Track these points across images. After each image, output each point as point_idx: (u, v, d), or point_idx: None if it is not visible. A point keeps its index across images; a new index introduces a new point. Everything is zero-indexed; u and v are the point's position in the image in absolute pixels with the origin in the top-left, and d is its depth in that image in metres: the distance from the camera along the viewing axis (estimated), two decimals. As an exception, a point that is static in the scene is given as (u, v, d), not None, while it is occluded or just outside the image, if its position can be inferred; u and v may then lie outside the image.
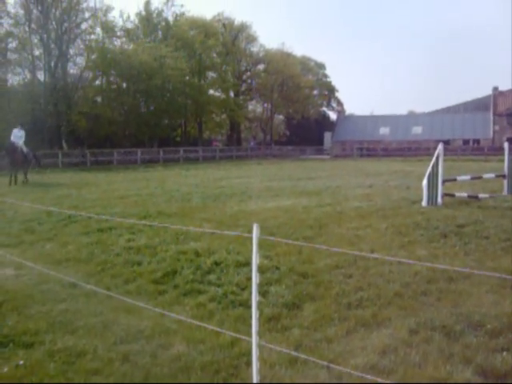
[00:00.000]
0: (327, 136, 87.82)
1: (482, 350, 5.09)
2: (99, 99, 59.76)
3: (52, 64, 53.63)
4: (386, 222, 12.14)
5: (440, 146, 15.94)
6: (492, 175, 18.79)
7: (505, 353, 5.01)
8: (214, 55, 71.13)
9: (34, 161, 27.48)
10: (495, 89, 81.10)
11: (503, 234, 10.54)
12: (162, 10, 64.65)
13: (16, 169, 24.81)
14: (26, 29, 52.54)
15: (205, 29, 68.13)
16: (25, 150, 25.54)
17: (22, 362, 4.95)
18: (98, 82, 60.10)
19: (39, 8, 51.90)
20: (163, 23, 65.02)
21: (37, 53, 54.01)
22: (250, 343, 4.45)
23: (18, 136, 25.48)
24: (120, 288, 7.33)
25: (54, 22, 53.09)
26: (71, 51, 56.39)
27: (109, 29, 58.53)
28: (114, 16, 68.63)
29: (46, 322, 6.03)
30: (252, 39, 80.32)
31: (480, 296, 6.71)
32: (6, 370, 4.82)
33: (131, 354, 5.12)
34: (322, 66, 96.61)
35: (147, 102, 60.97)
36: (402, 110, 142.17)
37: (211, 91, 71.81)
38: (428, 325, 5.70)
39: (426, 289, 7.04)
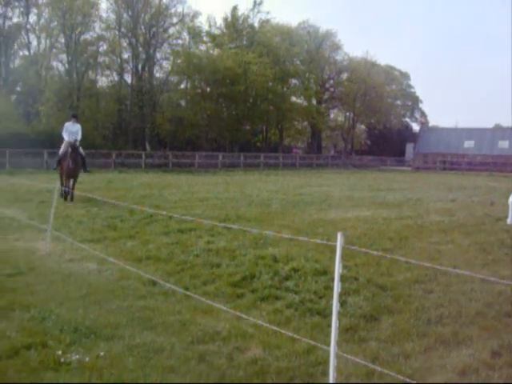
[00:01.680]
0: (409, 147, 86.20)
1: None
2: (183, 103, 60.97)
3: (139, 67, 55.20)
4: (468, 239, 11.82)
5: (529, 163, 15.37)
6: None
7: None
8: (298, 62, 71.12)
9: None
10: None
11: None
12: (248, 16, 65.21)
13: (70, 177, 17.54)
14: (116, 33, 54.30)
15: (289, 36, 68.22)
16: (82, 151, 18.38)
17: (102, 354, 5.09)
18: (182, 86, 61.35)
19: (129, 13, 53.53)
20: (249, 29, 65.57)
21: (125, 56, 55.79)
22: (326, 352, 4.43)
23: (72, 132, 18.08)
24: (198, 289, 7.43)
25: (142, 27, 54.62)
26: (158, 55, 57.87)
27: (195, 34, 59.63)
28: (201, 21, 70.12)
29: (126, 316, 6.18)
30: (336, 47, 79.84)
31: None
32: (87, 359, 4.97)
33: (207, 355, 5.18)
34: (406, 76, 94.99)
35: (230, 106, 61.68)
36: (488, 124, 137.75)
37: (293, 98, 71.82)
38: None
39: (510, 310, 6.80)
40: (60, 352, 5.09)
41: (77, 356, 5.03)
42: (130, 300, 6.85)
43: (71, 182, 17.51)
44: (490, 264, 9.41)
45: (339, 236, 4.14)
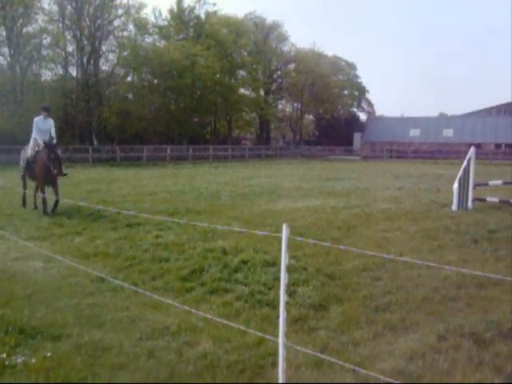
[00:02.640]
0: (357, 137, 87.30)
1: (513, 358, 4.99)
2: (130, 96, 60.21)
3: (84, 60, 54.24)
4: (415, 225, 12.03)
5: (472, 150, 15.75)
6: (526, 180, 18.49)
7: (536, 362, 4.91)
8: (245, 54, 71.12)
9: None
10: (529, 92, 79.74)
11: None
12: (194, 8, 64.77)
13: (50, 184, 14.34)
14: (60, 25, 53.17)
15: (236, 27, 68.10)
16: (59, 151, 14.71)
17: (49, 354, 4.98)
18: (129, 79, 60.59)
19: (73, 5, 52.44)
20: (195, 21, 65.13)
21: (70, 49, 54.66)
22: (276, 343, 4.42)
23: (44, 130, 14.58)
24: (147, 284, 7.35)
25: (87, 19, 53.62)
26: (103, 48, 56.91)
27: (141, 26, 58.85)
28: (147, 13, 69.28)
29: (74, 315, 6.06)
30: (283, 38, 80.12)
31: (511, 303, 6.58)
32: (33, 361, 4.85)
33: (157, 350, 5.12)
34: (352, 67, 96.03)
35: (177, 99, 61.21)
36: (433, 112, 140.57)
37: (241, 90, 71.84)
38: (457, 331, 5.60)
39: (455, 294, 6.94)
40: (4, 355, 4.95)
41: (22, 358, 4.91)
42: (77, 298, 6.73)
43: (52, 188, 14.22)
44: (436, 250, 9.58)
45: (284, 227, 4.12)
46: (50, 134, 14.34)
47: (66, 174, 14.56)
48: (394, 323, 5.87)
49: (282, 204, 15.99)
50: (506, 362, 4.91)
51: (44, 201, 13.78)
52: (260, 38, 74.16)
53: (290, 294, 6.77)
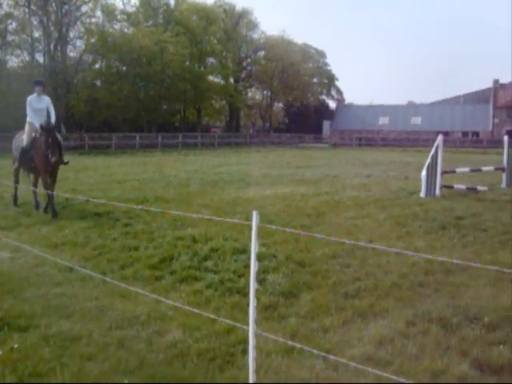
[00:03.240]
0: (326, 125, 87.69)
1: (479, 343, 5.07)
2: (98, 83, 59.46)
3: (51, 47, 53.27)
4: (384, 213, 12.13)
5: (440, 138, 15.91)
6: (491, 168, 18.78)
7: (501, 346, 5.00)
8: (215, 41, 70.71)
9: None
10: (496, 81, 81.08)
11: (501, 227, 10.54)
12: (164, -5, 64.17)
13: (49, 174, 12.21)
14: (26, 10, 52.11)
15: (206, 14, 67.61)
16: (60, 138, 12.60)
17: (16, 346, 4.90)
18: (97, 66, 59.77)
19: (39, -11, 51.46)
20: (164, 7, 64.56)
21: (36, 35, 53.71)
22: (246, 331, 4.41)
23: (40, 110, 12.25)
24: (116, 273, 7.29)
25: (53, 4, 52.66)
26: (71, 34, 56.06)
27: (109, 12, 58.07)
28: (115, -1, 68.18)
29: (42, 305, 5.98)
30: (253, 26, 79.91)
31: (477, 289, 6.69)
32: (0, 353, 4.77)
33: (126, 340, 5.08)
34: (322, 54, 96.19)
35: (146, 87, 60.65)
36: (402, 101, 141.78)
37: (211, 77, 71.47)
38: (425, 317, 5.67)
39: (423, 280, 7.03)
40: (-30, 348, 4.87)
41: (-11, 351, 4.83)
42: (45, 288, 6.64)
43: (49, 180, 12.16)
44: (405, 236, 9.68)
45: (254, 215, 4.11)
46: (48, 114, 11.96)
47: (67, 163, 12.60)
48: (364, 309, 5.91)
49: (251, 191, 16.00)
50: (473, 347, 4.98)
51: (35, 194, 12.71)
52: (230, 26, 73.83)
53: (260, 281, 6.77)
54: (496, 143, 54.10)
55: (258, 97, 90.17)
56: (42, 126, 11.63)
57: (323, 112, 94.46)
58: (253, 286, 4.11)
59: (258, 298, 5.54)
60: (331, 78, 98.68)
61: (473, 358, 4.77)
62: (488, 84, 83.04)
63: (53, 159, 11.37)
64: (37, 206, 12.58)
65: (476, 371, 4.58)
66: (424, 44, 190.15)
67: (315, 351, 4.58)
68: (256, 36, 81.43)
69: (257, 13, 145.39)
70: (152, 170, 24.42)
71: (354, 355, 4.78)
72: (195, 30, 63.96)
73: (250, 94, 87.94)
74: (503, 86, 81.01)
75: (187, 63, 63.03)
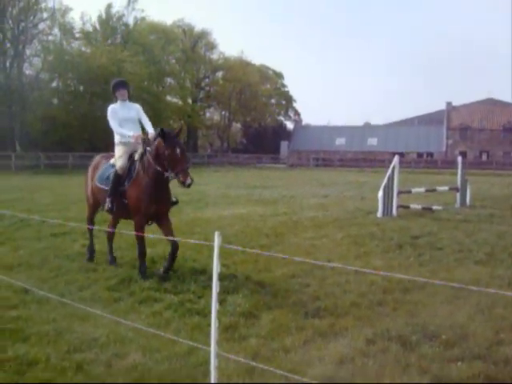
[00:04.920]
0: (284, 145, 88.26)
1: (438, 360, 5.15)
2: (55, 102, 58.80)
3: (7, 64, 52.55)
4: (341, 232, 12.24)
5: (396, 158, 16.18)
6: (445, 188, 19.18)
7: (459, 363, 5.08)
8: (173, 61, 70.84)
9: None
10: (449, 104, 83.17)
11: (456, 246, 10.75)
12: (123, 15, 64.07)
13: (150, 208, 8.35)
14: (-19, 27, 51.44)
15: (165, 34, 67.81)
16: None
17: (-31, 371, 4.78)
18: (54, 85, 59.19)
19: (-5, 6, 50.88)
20: (123, 27, 64.42)
21: (-8, 52, 52.89)
22: (207, 352, 4.40)
23: (130, 119, 9.07)
24: (74, 295, 7.16)
25: (10, 21, 52.10)
26: (28, 52, 55.42)
27: (67, 30, 57.75)
28: (73, 18, 67.67)
29: (-4, 329, 5.84)
30: (212, 46, 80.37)
31: (435, 306, 6.80)
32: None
33: (85, 363, 4.99)
34: (280, 76, 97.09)
35: (103, 106, 60.10)
36: (358, 122, 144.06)
37: (169, 97, 71.43)
38: (384, 335, 5.73)
39: (382, 299, 7.10)
40: None
41: None
42: (0, 311, 6.48)
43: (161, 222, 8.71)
44: (363, 256, 9.79)
45: (216, 235, 4.12)
46: (142, 125, 9.07)
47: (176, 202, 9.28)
48: (324, 329, 5.94)
49: (209, 212, 15.98)
50: (432, 364, 5.06)
51: (110, 237, 9.39)
52: (188, 46, 74.08)
53: (221, 302, 6.74)
54: (450, 164, 55.41)
55: (216, 117, 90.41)
56: (163, 132, 7.85)
57: (281, 133, 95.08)
58: (214, 306, 4.12)
59: (218, 319, 5.54)
60: (289, 99, 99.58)
61: (432, 375, 4.84)
62: (441, 106, 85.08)
63: (188, 181, 7.72)
64: (112, 261, 9.04)
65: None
66: (379, 67, 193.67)
67: (277, 371, 4.59)
68: (215, 57, 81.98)
69: (216, 34, 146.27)
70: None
71: (316, 375, 4.80)
72: (153, 50, 64.02)
73: (208, 115, 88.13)
74: (456, 108, 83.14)
75: (145, 83, 62.85)
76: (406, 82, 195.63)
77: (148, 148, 8.27)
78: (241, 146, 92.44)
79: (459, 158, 18.95)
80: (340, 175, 44.55)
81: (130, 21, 65.32)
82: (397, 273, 8.30)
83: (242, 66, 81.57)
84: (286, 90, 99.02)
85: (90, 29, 63.50)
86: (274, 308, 6.68)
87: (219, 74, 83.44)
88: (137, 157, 8.45)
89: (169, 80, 72.60)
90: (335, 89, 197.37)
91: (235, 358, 4.78)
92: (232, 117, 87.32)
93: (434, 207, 16.57)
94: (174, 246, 8.08)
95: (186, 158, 8.06)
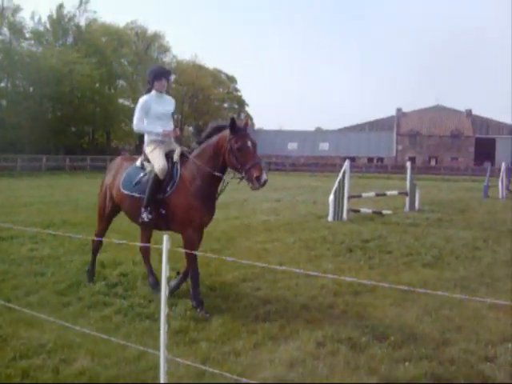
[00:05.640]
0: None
1: (386, 361, 5.24)
2: (4, 103, 57.51)
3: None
4: (293, 236, 12.32)
5: (346, 163, 16.37)
6: (395, 192, 19.51)
7: (407, 363, 5.19)
8: (126, 64, 70.11)
9: None
10: (399, 110, 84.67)
11: (405, 249, 10.95)
12: (75, 15, 63.11)
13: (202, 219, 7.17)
14: None
15: (117, 36, 67.04)
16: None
17: None
18: (2, 85, 57.85)
19: None
20: (74, 28, 63.47)
21: None
22: (157, 357, 4.37)
23: (162, 116, 7.51)
24: (21, 300, 7.00)
25: (-44, 20, 50.82)
26: (-25, 51, 54.09)
27: (17, 30, 56.55)
28: (23, 17, 66.42)
29: None
30: (164, 49, 79.80)
31: (384, 309, 6.91)
32: None
33: (31, 370, 4.88)
34: (233, 80, 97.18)
35: (54, 108, 59.28)
36: (310, 127, 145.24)
37: (121, 100, 70.65)
38: (334, 337, 5.80)
39: (332, 302, 7.19)
40: None
41: None
42: None
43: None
44: (314, 259, 9.88)
45: (165, 239, 4.10)
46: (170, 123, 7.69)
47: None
48: (274, 332, 5.97)
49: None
50: (380, 365, 5.14)
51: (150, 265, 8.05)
52: (141, 49, 73.44)
53: (171, 306, 6.72)
54: (400, 169, 56.34)
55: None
56: (233, 122, 6.67)
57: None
58: (163, 310, 4.09)
59: (168, 323, 5.50)
60: (241, 104, 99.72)
61: (381, 376, 4.92)
62: (392, 112, 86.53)
63: (264, 177, 6.70)
64: (155, 284, 7.58)
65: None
66: (330, 72, 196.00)
67: (227, 375, 4.58)
68: (167, 60, 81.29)
69: (169, 37, 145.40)
70: (59, 192, 23.80)
71: (266, 377, 4.82)
72: (105, 52, 63.24)
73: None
74: (406, 114, 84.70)
75: (97, 85, 62.07)
76: (357, 88, 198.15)
77: (184, 147, 7.47)
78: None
79: (408, 163, 19.31)
80: (292, 179, 44.81)
81: (82, 22, 64.51)
82: (347, 276, 8.39)
83: (195, 69, 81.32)
84: (239, 94, 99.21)
85: (41, 29, 62.36)
86: (224, 312, 6.68)
87: (172, 77, 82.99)
88: (176, 157, 7.22)
89: (121, 82, 71.83)
90: (287, 94, 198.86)
91: (185, 362, 4.76)
92: (184, 120, 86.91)
93: (384, 211, 16.82)
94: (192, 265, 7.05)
95: (257, 152, 6.88)
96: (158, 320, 5.32)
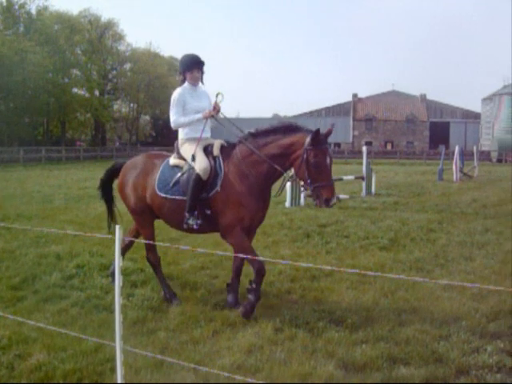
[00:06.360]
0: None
1: (344, 344, 5.31)
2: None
3: None
4: (251, 223, 12.31)
5: (303, 149, 16.41)
6: (352, 177, 19.68)
7: (364, 345, 5.27)
8: (79, 52, 68.90)
9: None
10: (355, 95, 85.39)
11: (362, 233, 11.08)
12: (25, 3, 61.57)
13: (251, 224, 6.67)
14: None
15: (70, 24, 65.63)
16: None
17: None
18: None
19: None
20: (25, 16, 61.97)
21: None
22: (114, 348, 4.33)
23: (200, 111, 6.76)
24: (-27, 296, 6.88)
25: None
26: None
27: (-37, 18, 55.01)
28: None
29: None
30: (119, 37, 78.54)
31: (341, 292, 6.99)
32: None
33: (-15, 367, 4.80)
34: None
35: (6, 98, 57.86)
36: (267, 114, 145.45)
37: (75, 90, 69.43)
38: (292, 322, 5.85)
39: (290, 287, 7.24)
40: None
41: None
42: None
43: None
44: (272, 245, 9.90)
45: (117, 229, 4.06)
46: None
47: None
48: (233, 319, 5.99)
49: (119, 206, 15.68)
50: (338, 348, 5.20)
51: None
52: (95, 37, 72.14)
53: (128, 296, 6.68)
54: (356, 154, 57.10)
55: (125, 109, 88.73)
56: (318, 134, 6.00)
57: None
58: (118, 301, 4.05)
59: (125, 314, 5.49)
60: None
61: (338, 359, 4.98)
62: (348, 98, 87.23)
63: (333, 199, 6.01)
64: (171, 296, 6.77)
65: (341, 371, 4.78)
66: (288, 59, 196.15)
67: (184, 364, 4.58)
68: (122, 48, 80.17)
69: (123, 25, 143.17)
70: (13, 185, 23.33)
71: (225, 364, 4.83)
72: (58, 40, 61.99)
73: (116, 107, 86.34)
74: (361, 99, 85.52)
75: (50, 74, 60.84)
76: (314, 74, 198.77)
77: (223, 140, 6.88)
78: (150, 138, 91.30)
79: (364, 148, 19.49)
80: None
81: (33, 10, 63.03)
82: (305, 261, 8.46)
83: (151, 57, 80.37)
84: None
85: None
86: (183, 300, 6.66)
87: (127, 65, 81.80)
88: (216, 151, 6.63)
89: (75, 71, 70.51)
90: (244, 81, 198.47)
91: (142, 352, 4.73)
92: (140, 109, 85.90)
93: (341, 196, 16.97)
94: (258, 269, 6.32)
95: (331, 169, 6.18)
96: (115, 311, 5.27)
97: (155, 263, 6.96)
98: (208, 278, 7.72)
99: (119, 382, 4.15)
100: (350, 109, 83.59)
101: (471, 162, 32.69)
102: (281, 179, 6.48)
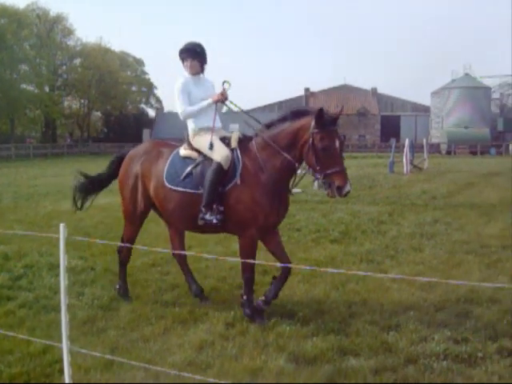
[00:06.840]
0: (146, 133, 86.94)
1: (295, 337, 5.36)
2: None
3: None
4: (203, 219, 12.28)
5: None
6: (304, 171, 19.76)
7: (314, 338, 5.32)
8: (28, 47, 67.46)
9: None
10: (307, 89, 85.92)
11: (313, 226, 11.18)
12: (-31, -4, 60.14)
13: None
14: None
15: (17, 18, 64.20)
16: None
17: None
18: None
19: None
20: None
21: None
22: (62, 349, 4.26)
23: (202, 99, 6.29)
24: None
25: None
26: None
27: None
28: None
29: None
30: (68, 32, 77.12)
31: (292, 286, 7.03)
32: None
33: None
34: (140, 63, 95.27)
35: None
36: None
37: (24, 85, 67.99)
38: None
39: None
40: None
41: None
42: None
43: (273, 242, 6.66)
44: (223, 241, 9.83)
45: (61, 227, 4.00)
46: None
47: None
48: (184, 316, 5.98)
49: (68, 204, 15.42)
50: (289, 341, 5.24)
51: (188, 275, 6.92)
52: (43, 31, 70.73)
53: (78, 295, 6.60)
54: (309, 147, 57.20)
55: (75, 105, 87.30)
56: (322, 114, 5.72)
57: (143, 120, 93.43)
58: (63, 300, 3.99)
59: (74, 313, 5.43)
60: (150, 87, 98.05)
61: (289, 352, 5.02)
62: (300, 92, 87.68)
63: (347, 187, 5.71)
64: (200, 292, 6.65)
65: (292, 364, 4.81)
66: (240, 53, 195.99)
67: (135, 363, 4.54)
68: (72, 43, 78.78)
69: (72, 19, 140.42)
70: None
71: (175, 362, 4.82)
72: (5, 35, 60.57)
73: (66, 103, 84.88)
74: (313, 93, 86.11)
75: (-3, 70, 59.50)
76: (266, 69, 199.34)
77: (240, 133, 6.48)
78: (102, 134, 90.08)
79: (317, 141, 19.55)
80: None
81: (-22, 4, 61.55)
82: (257, 257, 8.46)
83: (101, 52, 79.16)
84: (147, 77, 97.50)
85: None
86: (133, 298, 6.62)
87: (77, 60, 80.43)
88: (234, 143, 6.17)
89: (23, 67, 69.03)
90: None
91: (89, 352, 4.67)
92: (92, 105, 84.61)
93: (294, 190, 16.99)
94: (286, 271, 6.09)
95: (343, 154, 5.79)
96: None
97: (124, 260, 6.89)
98: (159, 274, 7.69)
99: (67, 382, 4.09)
100: (303, 103, 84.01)
101: (421, 154, 33.21)
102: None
